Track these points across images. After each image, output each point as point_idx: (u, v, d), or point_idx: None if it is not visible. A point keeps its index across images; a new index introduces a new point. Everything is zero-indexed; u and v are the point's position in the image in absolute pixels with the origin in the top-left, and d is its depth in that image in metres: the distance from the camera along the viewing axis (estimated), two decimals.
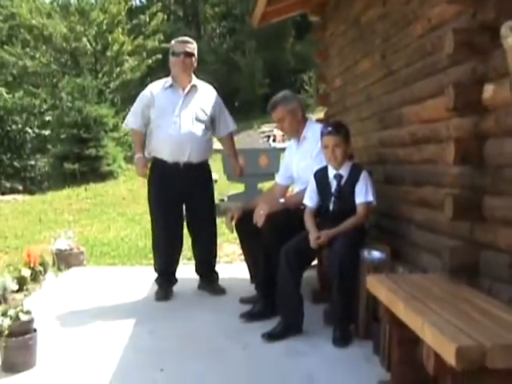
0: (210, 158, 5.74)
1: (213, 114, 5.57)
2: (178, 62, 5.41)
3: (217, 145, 6.05)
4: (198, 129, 5.43)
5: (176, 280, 5.73)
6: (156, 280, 5.71)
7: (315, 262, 5.00)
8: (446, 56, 3.24)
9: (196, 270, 5.89)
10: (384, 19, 4.84)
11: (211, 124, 5.58)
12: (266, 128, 22.77)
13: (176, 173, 5.41)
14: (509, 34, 2.08)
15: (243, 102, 29.07)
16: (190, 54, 5.44)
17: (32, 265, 6.06)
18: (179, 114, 5.39)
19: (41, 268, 6.16)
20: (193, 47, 5.49)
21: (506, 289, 2.89)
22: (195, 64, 5.54)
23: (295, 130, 5.07)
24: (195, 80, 5.58)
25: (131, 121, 5.65)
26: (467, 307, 2.71)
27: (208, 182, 5.72)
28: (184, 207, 5.62)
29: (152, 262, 5.88)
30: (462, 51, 3.12)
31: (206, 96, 5.58)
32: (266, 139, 21.79)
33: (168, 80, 5.54)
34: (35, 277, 6.07)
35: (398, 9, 4.48)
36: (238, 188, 12.52)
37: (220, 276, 5.86)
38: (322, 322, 4.57)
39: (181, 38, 5.57)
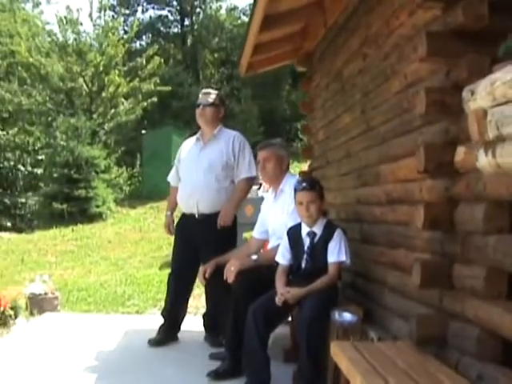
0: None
1: (230, 161, 5.48)
2: (198, 113, 5.53)
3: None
4: (209, 179, 5.42)
5: (178, 329, 5.69)
6: (160, 326, 5.68)
7: (289, 319, 4.84)
8: (419, 115, 3.11)
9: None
10: (364, 73, 4.75)
11: (231, 172, 5.52)
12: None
13: (190, 224, 5.49)
14: (470, 98, 1.95)
15: None
16: (211, 104, 5.50)
17: (2, 308, 5.94)
18: (194, 167, 5.46)
19: (11, 312, 6.04)
20: (214, 97, 5.54)
21: (473, 364, 2.71)
22: (219, 114, 5.57)
23: (275, 177, 4.95)
24: (219, 129, 5.56)
25: (170, 176, 5.91)
26: None
27: (216, 235, 5.41)
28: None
29: (129, 309, 5.87)
30: (434, 111, 3.00)
31: (224, 145, 5.51)
32: (257, 187, 21.66)
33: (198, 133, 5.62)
34: (4, 321, 5.95)
35: (377, 64, 4.38)
36: None
37: (190, 328, 5.79)
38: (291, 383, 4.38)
39: (204, 90, 5.71)
